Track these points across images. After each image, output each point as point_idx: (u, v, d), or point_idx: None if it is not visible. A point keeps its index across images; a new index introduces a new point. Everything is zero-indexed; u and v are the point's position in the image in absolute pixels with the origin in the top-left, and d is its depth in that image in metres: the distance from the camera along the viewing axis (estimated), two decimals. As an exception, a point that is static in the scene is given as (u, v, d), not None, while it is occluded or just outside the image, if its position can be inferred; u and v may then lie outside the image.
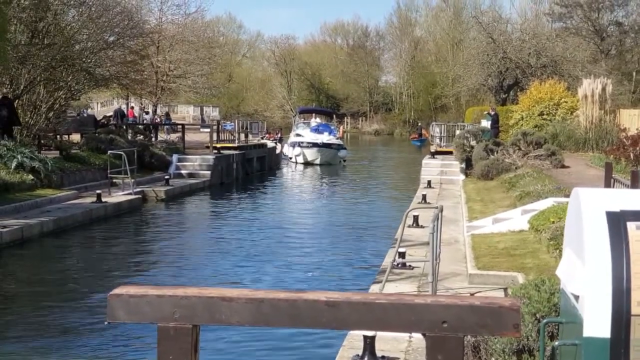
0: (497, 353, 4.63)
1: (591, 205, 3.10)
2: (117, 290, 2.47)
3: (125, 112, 51.08)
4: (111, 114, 49.05)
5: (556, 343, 3.38)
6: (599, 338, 2.99)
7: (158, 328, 2.44)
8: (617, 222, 3.00)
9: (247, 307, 2.41)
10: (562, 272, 3.44)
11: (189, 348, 2.43)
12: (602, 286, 2.97)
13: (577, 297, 3.17)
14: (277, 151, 50.38)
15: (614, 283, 2.95)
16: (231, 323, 2.43)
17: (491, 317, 2.28)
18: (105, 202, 23.76)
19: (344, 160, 50.55)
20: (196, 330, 2.45)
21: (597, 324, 2.98)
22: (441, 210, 11.68)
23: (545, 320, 3.56)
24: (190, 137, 41.08)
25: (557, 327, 4.10)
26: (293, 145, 50.37)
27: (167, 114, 60.91)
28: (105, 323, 2.50)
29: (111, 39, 39.32)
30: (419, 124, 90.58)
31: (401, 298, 2.37)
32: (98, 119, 44.80)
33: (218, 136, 40.43)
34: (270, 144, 50.06)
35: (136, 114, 53.99)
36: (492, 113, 35.96)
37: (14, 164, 23.04)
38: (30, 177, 23.25)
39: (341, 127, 61.49)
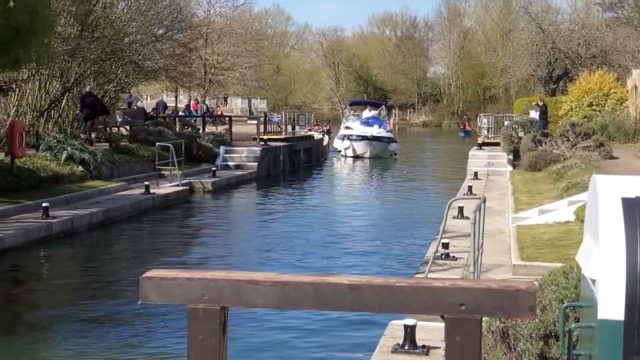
0: (524, 338, 4.68)
1: (607, 191, 3.16)
2: (149, 273, 2.58)
3: (167, 104, 51.65)
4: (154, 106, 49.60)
5: (572, 325, 3.45)
6: (613, 320, 3.06)
7: (188, 309, 2.54)
8: (632, 208, 3.05)
9: (272, 290, 2.50)
10: (581, 258, 3.50)
11: (218, 329, 2.53)
12: (616, 270, 3.04)
13: (593, 281, 3.23)
14: (325, 143, 50.09)
15: (628, 267, 3.00)
16: (257, 305, 2.52)
17: (508, 300, 2.35)
18: (153, 193, 24.03)
19: (395, 154, 49.45)
20: (224, 312, 2.55)
21: (611, 306, 3.05)
22: (484, 201, 11.67)
23: (565, 304, 3.63)
24: (237, 129, 41.33)
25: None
26: (342, 138, 49.65)
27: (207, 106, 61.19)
28: (138, 303, 2.60)
29: (160, 31, 39.74)
30: (465, 115, 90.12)
31: (420, 282, 2.44)
32: (147, 111, 45.22)
33: (265, 128, 40.59)
34: (317, 135, 49.84)
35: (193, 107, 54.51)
36: (541, 104, 35.68)
37: (64, 156, 23.40)
38: (80, 168, 23.60)
39: (391, 120, 60.26)
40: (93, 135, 28.43)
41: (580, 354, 3.58)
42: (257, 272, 2.57)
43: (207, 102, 59.89)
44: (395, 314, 2.06)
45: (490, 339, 4.93)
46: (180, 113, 50.47)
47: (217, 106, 63.37)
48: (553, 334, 4.59)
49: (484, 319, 2.50)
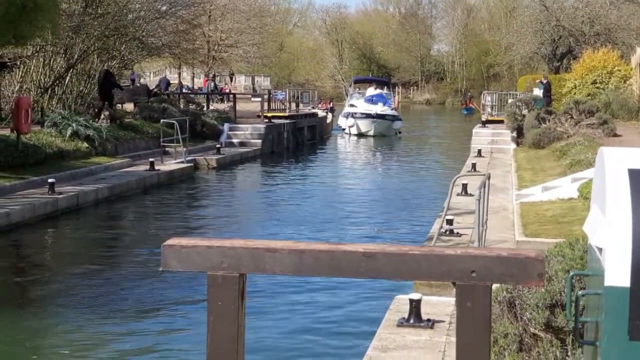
0: (530, 308, 4.78)
1: (614, 162, 3.26)
2: (170, 242, 2.67)
3: (170, 81, 51.58)
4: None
5: (580, 292, 3.56)
6: (619, 287, 3.17)
7: (207, 276, 2.63)
8: (639, 178, 3.15)
9: (289, 258, 2.59)
10: (588, 228, 3.60)
11: (237, 295, 2.62)
12: (623, 238, 3.14)
13: (600, 250, 3.34)
14: (328, 120, 50.04)
15: (634, 236, 3.10)
16: (275, 272, 2.61)
17: (517, 267, 2.44)
18: (158, 170, 24.14)
19: (399, 132, 48.96)
20: (243, 279, 2.64)
21: (617, 273, 3.16)
22: (488, 178, 11.77)
23: (572, 273, 3.73)
24: (241, 106, 41.35)
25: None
26: (346, 116, 49.20)
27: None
28: (160, 270, 2.69)
29: (163, 8, 39.72)
30: (468, 93, 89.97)
31: (433, 250, 2.53)
32: (151, 88, 45.24)
33: (269, 105, 40.62)
34: (321, 113, 49.77)
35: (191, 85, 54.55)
36: (544, 81, 35.66)
37: (68, 132, 23.49)
38: (85, 145, 23.69)
39: (396, 97, 59.30)
40: (107, 113, 28.54)
41: (587, 320, 3.69)
42: (275, 241, 2.66)
43: (216, 79, 59.90)
44: (407, 280, 2.14)
45: (497, 308, 5.03)
46: (185, 90, 50.48)
47: (226, 84, 63.32)
48: (559, 303, 4.69)
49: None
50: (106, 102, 29.14)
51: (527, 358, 4.77)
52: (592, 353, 3.52)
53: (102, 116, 28.30)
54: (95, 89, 33.53)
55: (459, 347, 2.53)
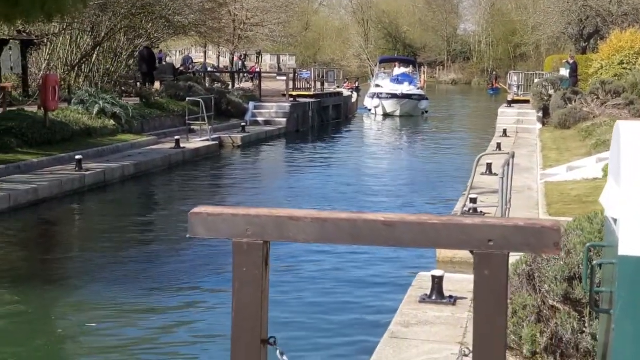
0: (549, 280, 4.84)
1: (629, 134, 3.31)
2: (196, 209, 2.76)
3: (193, 60, 51.94)
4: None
5: (595, 262, 3.62)
6: (633, 256, 3.24)
7: (233, 243, 2.71)
8: (653, 150, 3.23)
9: (312, 226, 2.67)
10: (604, 200, 3.66)
11: (261, 262, 2.71)
12: (637, 208, 3.21)
13: (615, 221, 3.40)
14: (353, 100, 49.84)
15: (648, 205, 3.18)
16: (298, 240, 2.69)
17: (534, 236, 2.50)
18: (184, 147, 24.29)
19: (426, 112, 48.22)
20: (267, 246, 2.72)
21: (631, 243, 3.22)
22: (512, 156, 11.78)
23: (588, 244, 3.80)
24: (266, 85, 41.41)
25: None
26: (372, 96, 48.31)
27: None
28: (187, 236, 2.79)
29: (190, -14, 39.72)
30: (494, 72, 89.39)
31: (451, 219, 2.60)
32: (177, 67, 45.37)
33: (294, 84, 40.65)
34: (346, 92, 49.61)
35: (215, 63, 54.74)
36: (571, 62, 35.47)
37: (95, 110, 23.67)
38: (112, 122, 23.87)
39: (422, 77, 58.17)
40: (154, 89, 28.94)
41: (602, 291, 3.76)
42: (298, 210, 2.74)
43: (244, 58, 60.10)
44: (426, 248, 2.20)
45: (517, 281, 5.10)
46: (209, 69, 50.62)
47: (256, 63, 63.34)
48: (577, 275, 4.75)
49: (510, 263, 2.65)
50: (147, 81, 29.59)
51: (545, 329, 4.84)
52: (606, 322, 3.60)
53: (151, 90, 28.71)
54: (122, 67, 33.81)
55: (477, 314, 2.60)
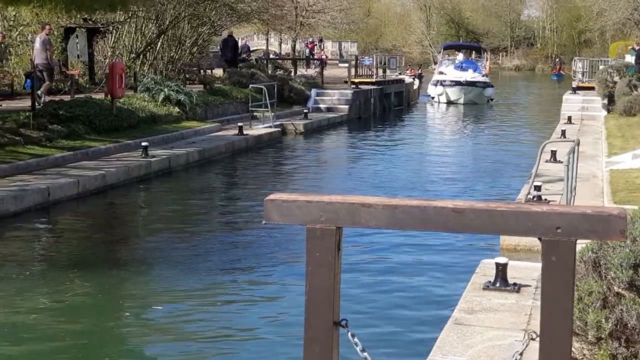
0: (615, 267, 4.86)
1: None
2: (272, 196, 2.86)
3: (250, 47, 52.51)
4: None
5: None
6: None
7: (307, 229, 2.82)
8: None
9: (383, 212, 2.76)
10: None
11: (333, 247, 2.81)
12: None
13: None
14: (415, 87, 49.50)
15: None
16: (369, 226, 2.78)
17: (600, 224, 2.56)
18: (247, 134, 24.51)
19: (491, 99, 46.84)
20: (339, 232, 2.82)
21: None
22: (578, 144, 11.72)
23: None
24: (328, 72, 41.47)
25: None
26: (435, 83, 47.53)
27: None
28: (263, 223, 2.89)
29: (253, -26, 39.95)
30: (557, 59, 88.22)
31: (520, 206, 2.67)
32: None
33: (356, 71, 40.66)
34: (407, 79, 49.32)
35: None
36: (637, 48, 34.90)
37: (161, 97, 24.01)
38: (176, 109, 24.19)
39: (487, 63, 55.68)
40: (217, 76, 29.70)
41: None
42: (369, 197, 2.83)
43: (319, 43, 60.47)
44: (495, 234, 2.25)
45: (583, 268, 5.12)
46: (271, 55, 50.88)
47: (322, 49, 63.52)
48: (642, 263, 4.79)
49: (577, 251, 2.71)
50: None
51: (610, 315, 4.87)
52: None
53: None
54: (186, 54, 34.21)
55: (544, 300, 2.66)
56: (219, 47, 34.73)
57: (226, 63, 34.41)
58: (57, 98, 21.99)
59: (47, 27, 23.43)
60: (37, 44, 22.55)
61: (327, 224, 2.79)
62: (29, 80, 23.45)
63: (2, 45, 24.57)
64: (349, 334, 2.87)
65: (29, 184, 14.99)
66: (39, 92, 21.48)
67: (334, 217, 2.78)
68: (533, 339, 2.79)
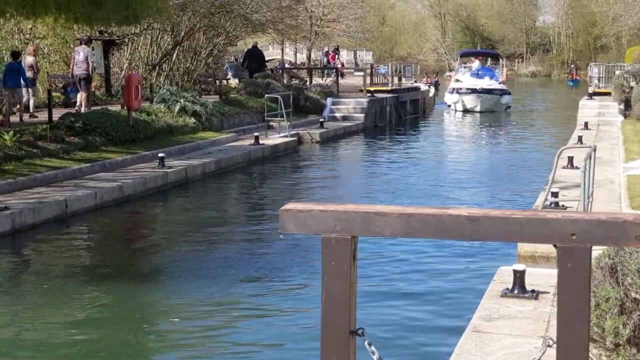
0: (632, 273, 4.85)
1: None
2: (287, 206, 2.87)
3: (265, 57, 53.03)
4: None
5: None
6: None
7: (322, 238, 2.82)
8: None
9: (398, 221, 2.76)
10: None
11: (349, 256, 2.81)
12: None
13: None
14: (431, 94, 49.29)
15: None
16: (384, 235, 2.79)
17: (616, 230, 2.56)
18: (263, 144, 24.55)
19: (509, 107, 46.18)
20: (354, 241, 2.83)
21: None
22: (594, 150, 11.68)
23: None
24: (343, 80, 41.50)
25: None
26: (451, 91, 46.94)
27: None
28: (280, 236, 2.91)
29: (268, -16, 40.06)
30: (573, 64, 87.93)
31: (535, 213, 2.67)
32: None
33: (372, 79, 40.66)
34: (423, 87, 49.16)
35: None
36: (654, 52, 34.79)
37: (177, 108, 24.10)
38: (192, 120, 24.27)
39: (504, 70, 54.99)
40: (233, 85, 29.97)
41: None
42: (384, 205, 2.83)
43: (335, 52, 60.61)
44: (510, 242, 2.25)
45: (600, 274, 5.11)
46: (287, 65, 51.01)
47: (339, 58, 63.62)
48: (660, 268, 4.78)
49: (592, 256, 2.71)
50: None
51: (627, 321, 4.85)
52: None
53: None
54: (201, 65, 34.35)
55: (560, 306, 2.66)
56: (241, 57, 34.95)
57: (250, 73, 34.54)
58: (73, 110, 22.15)
59: (85, 38, 24.45)
60: (81, 56, 23.44)
61: (342, 233, 2.79)
62: (70, 90, 25.34)
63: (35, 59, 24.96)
64: (366, 342, 2.88)
65: (46, 197, 15.07)
66: (78, 102, 23.16)
67: (349, 226, 2.79)
68: (550, 346, 2.78)
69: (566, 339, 2.64)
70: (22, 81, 21.46)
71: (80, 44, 24.09)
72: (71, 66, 24.21)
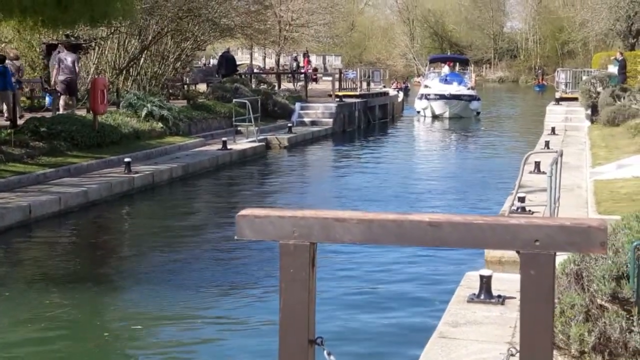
0: (597, 279, 4.82)
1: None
2: (244, 212, 2.79)
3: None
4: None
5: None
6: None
7: (280, 245, 2.74)
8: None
9: (358, 227, 2.69)
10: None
11: (307, 263, 2.73)
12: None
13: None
14: (399, 100, 49.27)
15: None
16: (344, 241, 2.71)
17: (580, 236, 2.50)
18: (231, 149, 24.43)
19: (478, 113, 45.90)
20: (313, 247, 2.75)
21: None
22: (561, 155, 11.70)
23: (635, 243, 3.79)
24: (312, 85, 41.46)
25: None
26: (421, 97, 46.17)
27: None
28: (235, 238, 2.82)
29: (235, -11, 39.99)
30: (540, 69, 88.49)
31: (497, 219, 2.60)
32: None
33: (340, 84, 40.66)
34: (392, 92, 49.17)
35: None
36: (620, 58, 35.04)
37: (143, 113, 23.91)
38: (160, 125, 24.09)
39: (473, 76, 54.79)
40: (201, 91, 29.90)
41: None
42: (344, 211, 2.76)
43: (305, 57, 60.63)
44: (472, 248, 2.20)
45: (565, 280, 5.08)
46: (255, 70, 50.92)
47: (309, 62, 63.57)
48: (625, 274, 4.73)
49: (558, 262, 2.65)
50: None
51: (593, 328, 4.82)
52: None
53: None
54: (169, 70, 34.16)
55: (523, 314, 2.60)
56: (209, 62, 35.07)
57: (222, 78, 34.55)
58: (38, 115, 21.89)
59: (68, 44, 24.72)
60: (69, 62, 23.32)
61: (301, 239, 2.72)
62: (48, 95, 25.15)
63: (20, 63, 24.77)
64: (325, 352, 2.80)
65: (10, 202, 14.86)
66: (61, 109, 23.05)
67: (308, 232, 2.71)
68: (513, 355, 2.72)
69: (529, 347, 2.58)
70: (6, 84, 21.16)
71: (66, 49, 23.93)
72: (53, 72, 23.93)
